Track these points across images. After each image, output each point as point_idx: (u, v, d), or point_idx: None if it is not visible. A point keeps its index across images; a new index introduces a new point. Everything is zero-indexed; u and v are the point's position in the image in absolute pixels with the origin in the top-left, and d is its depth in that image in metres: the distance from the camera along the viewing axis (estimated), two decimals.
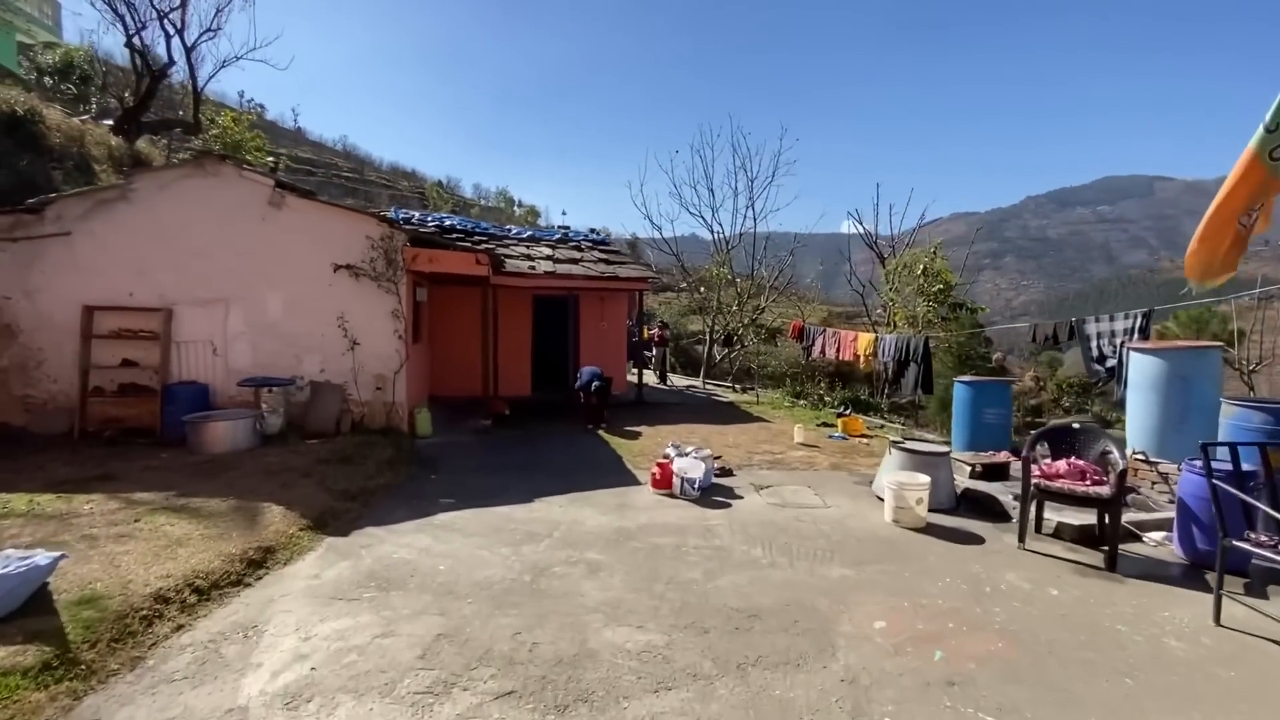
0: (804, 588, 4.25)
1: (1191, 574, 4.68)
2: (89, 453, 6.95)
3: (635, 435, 9.49)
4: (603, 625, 3.64)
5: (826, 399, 13.62)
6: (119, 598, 3.54)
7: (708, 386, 17.65)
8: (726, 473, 7.21)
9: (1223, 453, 4.47)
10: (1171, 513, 5.50)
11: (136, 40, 14.77)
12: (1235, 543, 3.83)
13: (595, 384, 10.19)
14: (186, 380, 8.12)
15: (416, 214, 15.31)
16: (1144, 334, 6.79)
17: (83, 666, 3.02)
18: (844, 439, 9.51)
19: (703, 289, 21.56)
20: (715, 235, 20.46)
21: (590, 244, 14.79)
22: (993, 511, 6.03)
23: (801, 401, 13.81)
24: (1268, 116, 4.31)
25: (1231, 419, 5.13)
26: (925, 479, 5.61)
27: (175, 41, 15.40)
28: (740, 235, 20.54)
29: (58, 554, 3.53)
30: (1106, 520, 4.96)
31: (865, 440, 9.51)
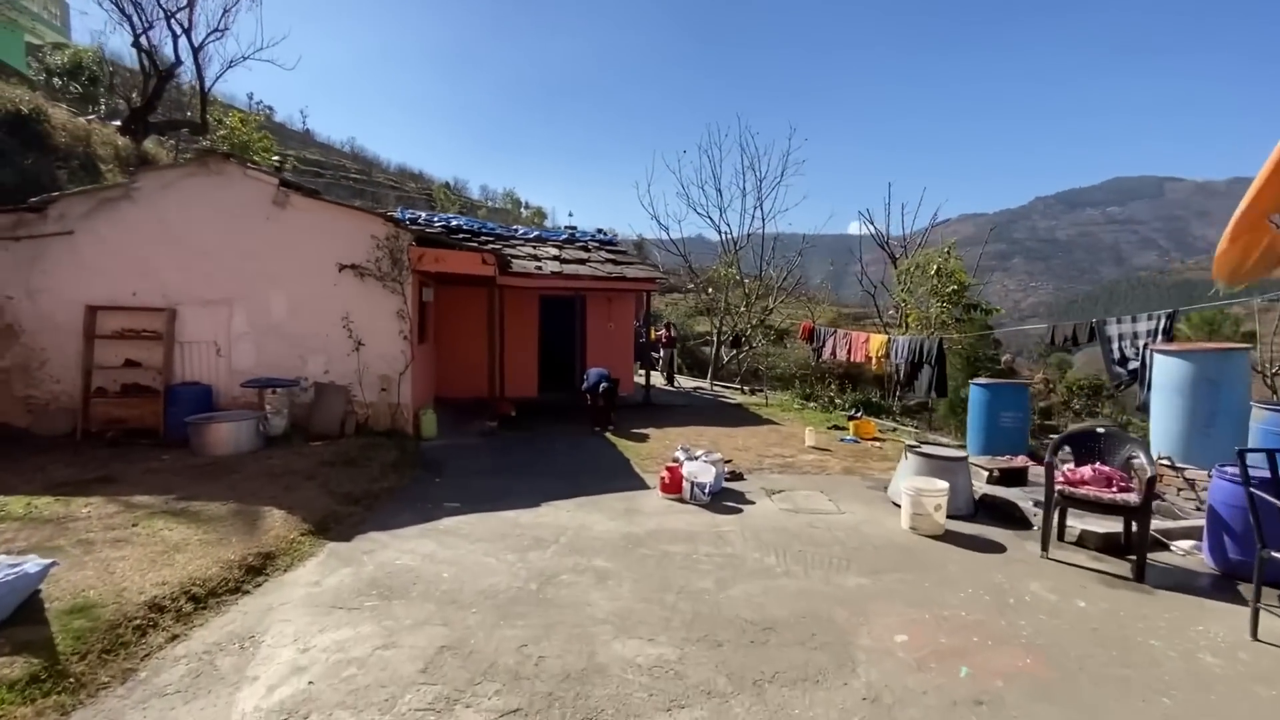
0: (820, 598, 4.09)
1: (1223, 585, 4.50)
2: (91, 454, 6.86)
3: (643, 438, 9.35)
4: (612, 637, 3.50)
5: (837, 401, 13.44)
6: (112, 606, 3.42)
7: (715, 388, 17.49)
8: (737, 477, 7.06)
9: (1255, 459, 4.29)
10: (1199, 520, 5.32)
11: (143, 40, 14.76)
12: (1274, 554, 3.66)
13: (602, 385, 10.05)
14: (190, 381, 8.03)
15: (423, 214, 15.23)
16: (1168, 335, 6.60)
17: (72, 679, 2.90)
18: (856, 442, 9.33)
19: (710, 289, 21.41)
20: (723, 236, 20.33)
21: (597, 244, 14.67)
22: (1012, 518, 5.85)
23: (811, 404, 13.63)
24: None
25: (1264, 424, 4.95)
26: (943, 485, 5.44)
27: (182, 41, 15.43)
28: (748, 236, 20.39)
29: (48, 561, 3.41)
30: (1134, 529, 4.79)
31: (878, 444, 9.34)
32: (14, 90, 11.65)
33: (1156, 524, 5.22)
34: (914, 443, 6.49)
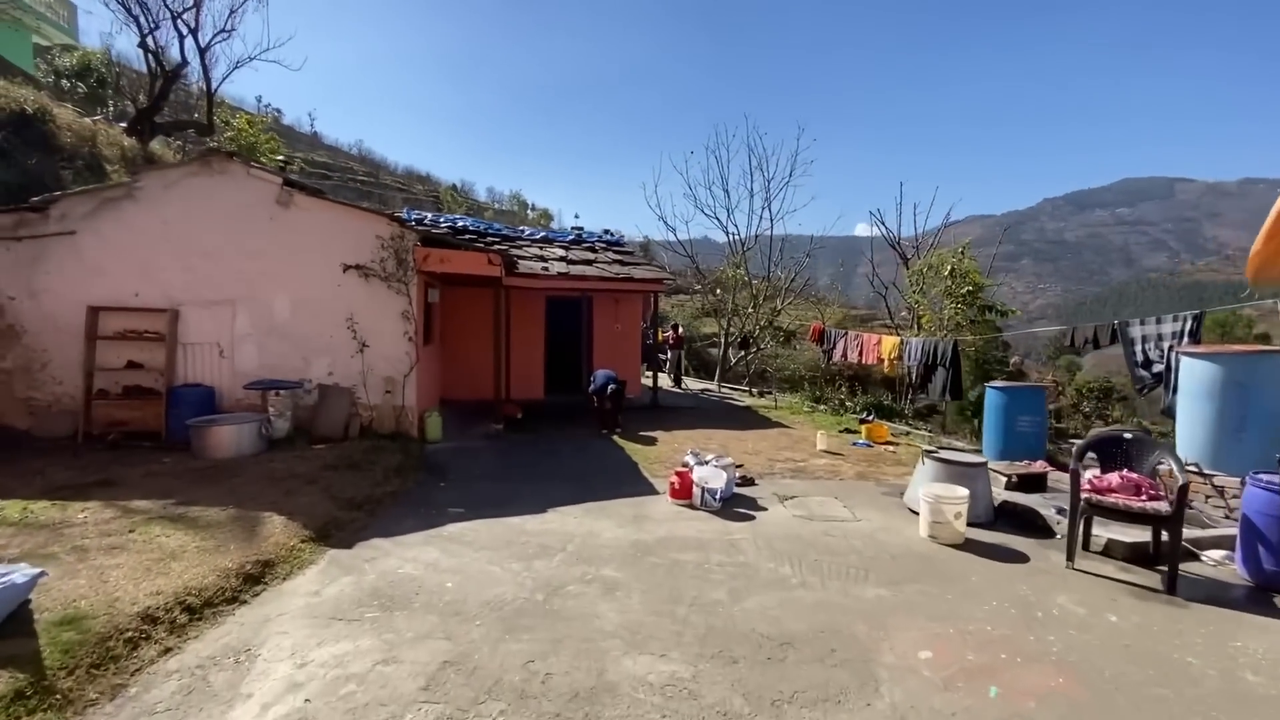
0: (839, 610, 3.93)
1: (1259, 598, 4.32)
2: (91, 457, 6.76)
3: (651, 441, 9.19)
4: (622, 653, 3.34)
5: (848, 404, 13.23)
6: (103, 618, 3.29)
7: (723, 390, 17.31)
8: (748, 482, 6.89)
9: None
10: (1230, 529, 5.13)
11: (150, 40, 14.71)
12: None
13: (610, 388, 9.91)
14: (192, 383, 7.92)
15: (429, 215, 15.12)
16: (1194, 337, 6.40)
17: (58, 696, 2.78)
18: (868, 446, 9.15)
19: (718, 291, 21.24)
20: (730, 237, 20.15)
21: (604, 245, 14.53)
22: (1034, 526, 5.67)
23: (821, 406, 13.43)
24: None
25: None
26: (963, 492, 5.26)
27: (189, 42, 15.36)
28: (756, 237, 20.22)
29: (37, 571, 3.28)
30: (1163, 538, 4.61)
31: (891, 448, 9.15)
32: (19, 90, 11.61)
33: (1186, 533, 5.03)
34: (931, 448, 6.31)
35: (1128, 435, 5.07)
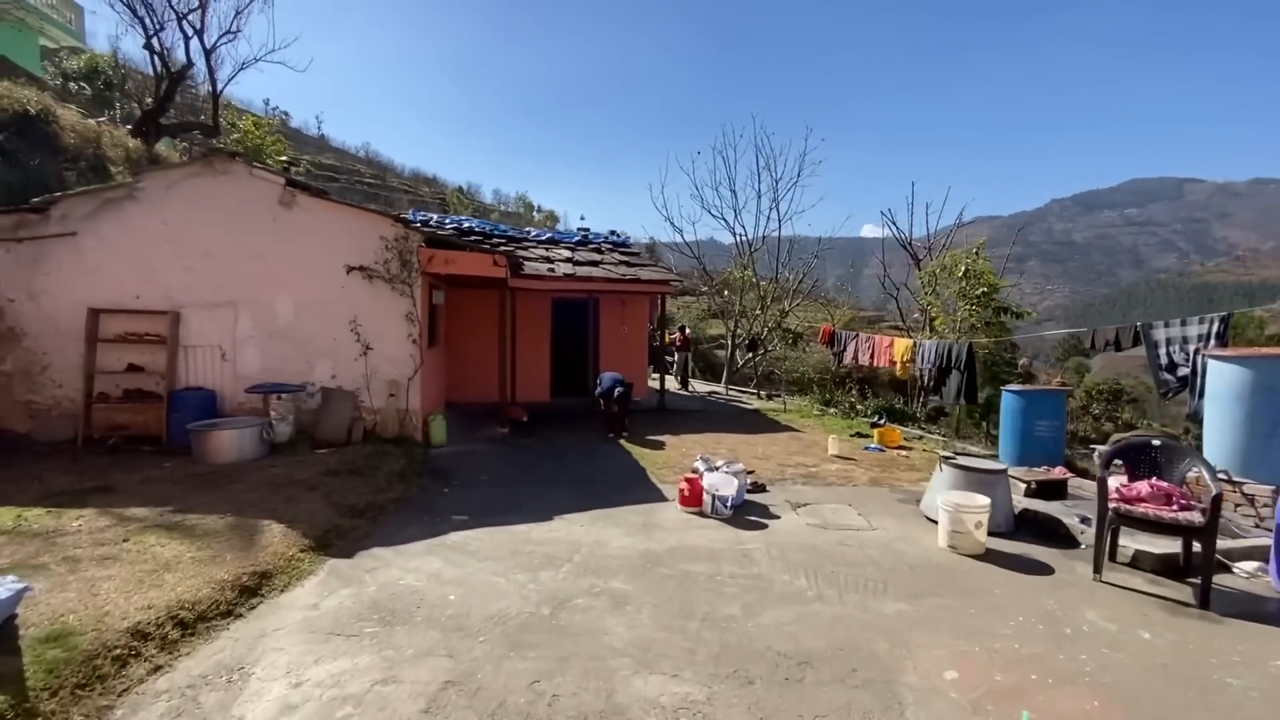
0: (858, 626, 3.76)
1: None
2: (90, 462, 6.66)
3: (659, 445, 9.03)
4: (632, 673, 3.18)
5: (859, 407, 13.02)
6: (91, 634, 3.16)
7: (730, 392, 17.13)
8: (759, 488, 6.72)
9: None
10: (1262, 540, 4.95)
11: (155, 42, 14.68)
12: None
13: (617, 390, 9.75)
14: (194, 386, 7.81)
15: (434, 216, 15.02)
16: (1221, 340, 6.19)
17: (40, 719, 2.64)
18: (881, 451, 8.95)
19: (725, 292, 21.05)
20: (738, 238, 19.95)
21: (610, 246, 14.38)
22: (1056, 535, 5.48)
23: (831, 409, 13.24)
24: None
25: None
26: (984, 500, 5.08)
27: (194, 43, 15.33)
28: (764, 238, 20.02)
29: (22, 585, 3.15)
30: (1194, 549, 4.42)
31: (904, 453, 8.95)
32: (22, 91, 11.56)
33: (1217, 544, 4.83)
34: (949, 454, 6.12)
35: (1156, 442, 4.87)
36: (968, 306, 13.60)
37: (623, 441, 9.25)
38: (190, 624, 3.47)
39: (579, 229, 16.52)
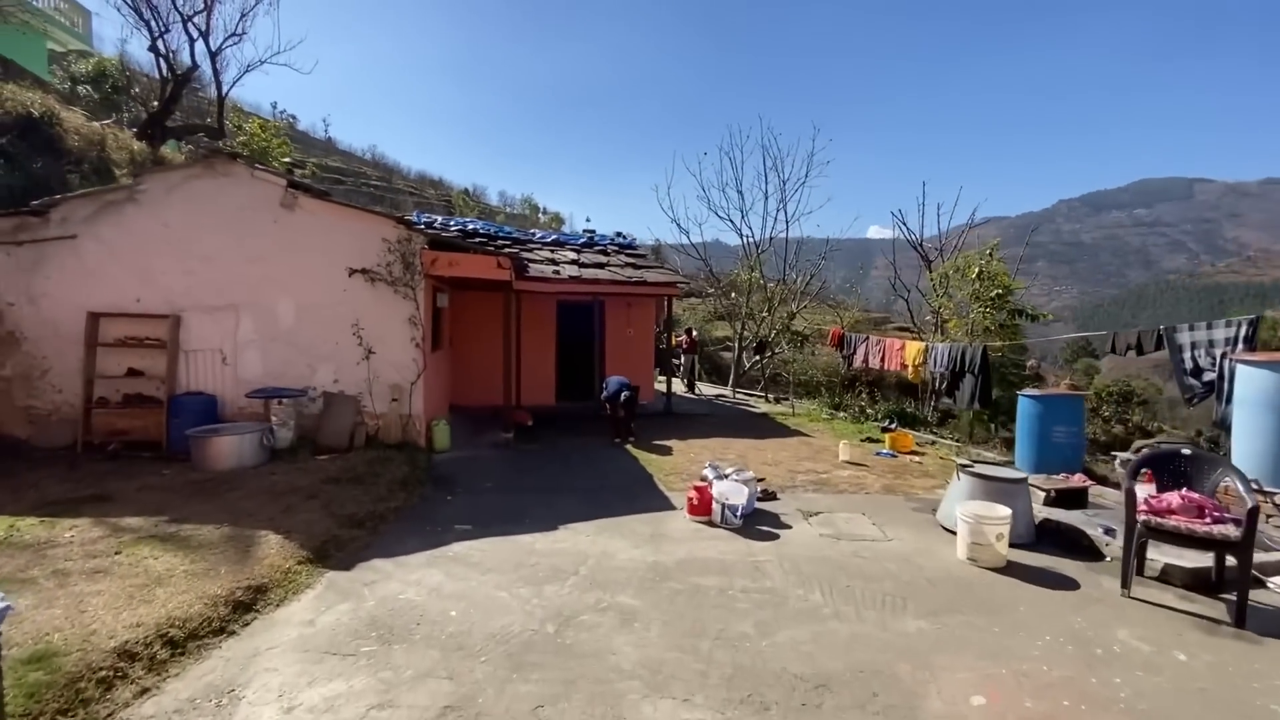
0: (877, 646, 3.58)
1: None
2: (89, 468, 6.55)
3: (666, 450, 8.87)
4: (641, 697, 3.02)
5: (869, 411, 12.81)
6: (76, 654, 3.02)
7: (737, 395, 16.96)
8: (769, 497, 6.54)
9: None
10: None
11: (160, 44, 14.65)
12: None
13: (623, 394, 9.59)
14: (194, 391, 7.69)
15: (439, 218, 14.91)
16: (1250, 344, 5.98)
17: None
18: (893, 456, 8.76)
19: (732, 294, 20.89)
20: (744, 239, 19.80)
21: (616, 248, 14.23)
22: (1079, 546, 5.29)
23: (841, 413, 13.03)
24: None
25: None
26: (1005, 511, 4.89)
27: (200, 46, 15.30)
28: (770, 239, 19.86)
29: (3, 605, 3.00)
30: (1227, 563, 4.22)
31: (916, 458, 8.75)
32: (25, 93, 11.50)
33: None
34: (967, 462, 5.93)
35: (1186, 451, 4.68)
36: (981, 309, 13.36)
37: (629, 447, 9.09)
38: (180, 643, 3.33)
39: (585, 231, 16.39)
